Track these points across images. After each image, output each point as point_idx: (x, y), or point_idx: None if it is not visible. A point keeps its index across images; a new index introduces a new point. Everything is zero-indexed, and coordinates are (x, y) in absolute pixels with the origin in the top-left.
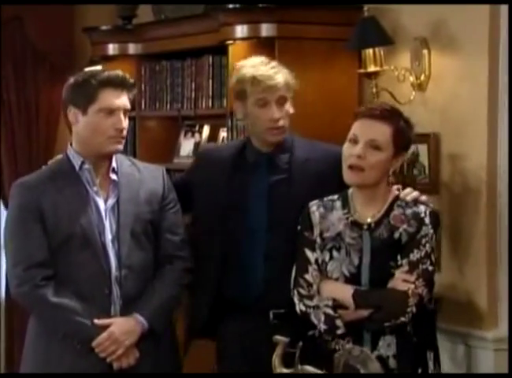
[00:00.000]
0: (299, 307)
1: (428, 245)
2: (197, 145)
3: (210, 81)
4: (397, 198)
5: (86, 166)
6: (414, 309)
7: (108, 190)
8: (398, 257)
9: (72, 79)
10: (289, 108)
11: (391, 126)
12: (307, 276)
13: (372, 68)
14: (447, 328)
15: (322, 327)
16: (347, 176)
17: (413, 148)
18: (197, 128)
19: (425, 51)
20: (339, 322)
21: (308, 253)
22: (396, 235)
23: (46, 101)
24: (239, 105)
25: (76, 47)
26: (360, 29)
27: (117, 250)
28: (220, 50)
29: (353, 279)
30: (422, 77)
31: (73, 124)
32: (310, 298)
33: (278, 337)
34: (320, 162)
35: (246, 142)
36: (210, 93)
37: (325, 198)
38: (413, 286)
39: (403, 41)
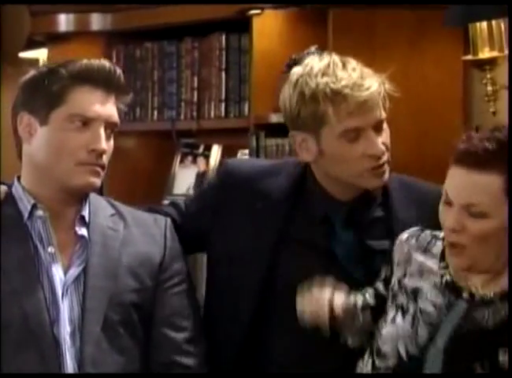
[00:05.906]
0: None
1: None
2: (201, 176)
3: (223, 74)
4: None
5: (39, 213)
6: None
7: (71, 254)
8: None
9: (30, 73)
10: (387, 133)
11: (501, 173)
12: None
13: (486, 54)
14: None
15: None
16: (449, 257)
17: None
18: (201, 150)
19: None
20: None
21: None
22: None
23: None
24: (307, 139)
25: (5, 21)
26: None
27: (77, 350)
28: (239, 26)
29: (410, 365)
30: None
31: (25, 141)
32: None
33: None
34: (431, 221)
35: (304, 173)
36: (223, 93)
37: (428, 231)
38: None
39: None
